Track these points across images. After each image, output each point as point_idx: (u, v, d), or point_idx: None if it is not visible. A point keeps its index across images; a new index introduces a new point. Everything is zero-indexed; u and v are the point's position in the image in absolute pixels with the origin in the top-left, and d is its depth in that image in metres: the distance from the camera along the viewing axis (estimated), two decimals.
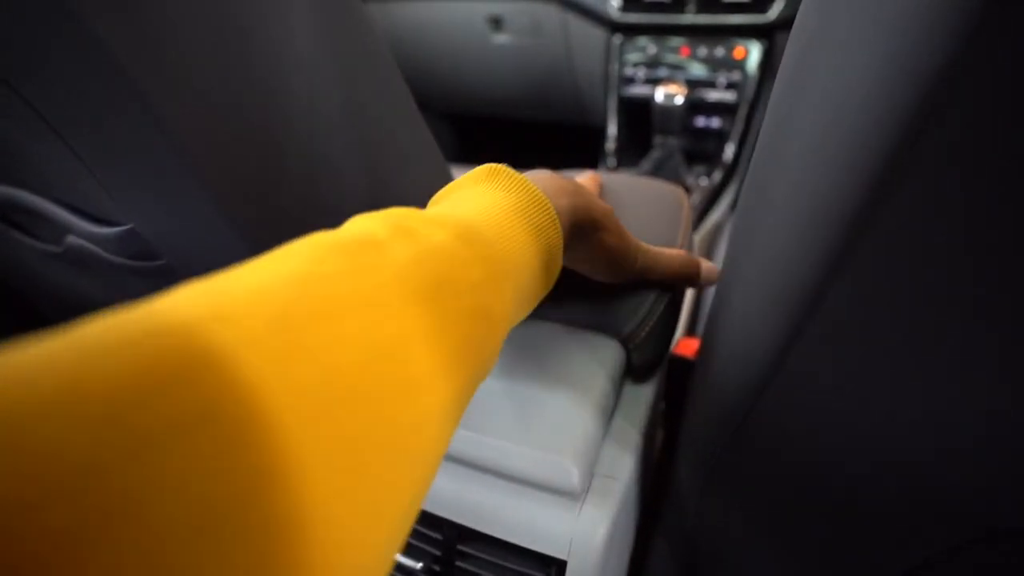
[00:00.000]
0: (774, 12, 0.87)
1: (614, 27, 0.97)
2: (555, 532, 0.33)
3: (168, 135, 0.27)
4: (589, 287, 0.36)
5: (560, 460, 0.32)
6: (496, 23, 1.07)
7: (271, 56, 0.30)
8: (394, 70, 0.40)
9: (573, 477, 0.32)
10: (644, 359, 0.39)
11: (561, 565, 0.33)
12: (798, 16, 0.20)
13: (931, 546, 0.22)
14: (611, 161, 1.07)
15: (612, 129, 1.05)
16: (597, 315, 0.38)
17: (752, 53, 0.91)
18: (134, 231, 0.36)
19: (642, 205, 0.47)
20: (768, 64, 0.93)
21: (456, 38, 1.12)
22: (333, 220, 0.38)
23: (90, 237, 0.39)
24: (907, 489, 0.20)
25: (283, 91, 0.31)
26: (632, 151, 1.06)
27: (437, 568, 0.37)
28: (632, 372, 0.39)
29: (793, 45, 0.20)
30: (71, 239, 0.40)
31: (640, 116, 1.00)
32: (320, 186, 0.36)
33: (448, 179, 0.49)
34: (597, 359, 0.37)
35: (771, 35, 0.90)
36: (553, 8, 1.00)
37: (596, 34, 0.99)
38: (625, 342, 0.38)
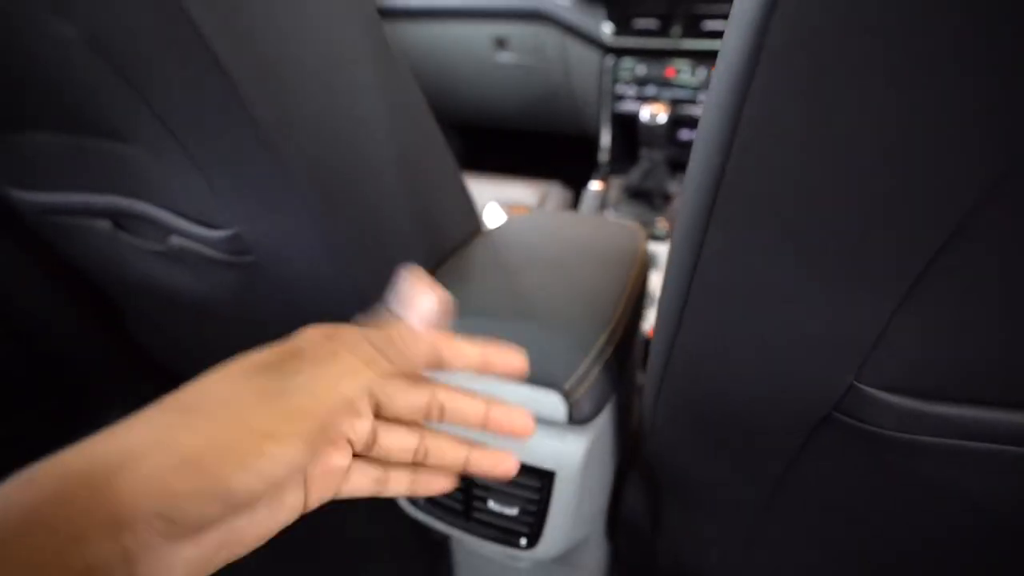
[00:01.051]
0: None
1: (607, 49, 1.08)
2: (548, 451, 0.45)
3: (276, 156, 0.38)
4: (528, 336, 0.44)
5: (554, 399, 0.43)
6: (501, 43, 1.18)
7: (351, 97, 0.41)
8: (431, 119, 0.51)
9: (561, 413, 0.44)
10: (583, 413, 0.44)
11: (552, 475, 0.45)
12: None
13: (792, 434, 0.33)
14: (604, 170, 1.18)
15: (605, 141, 1.17)
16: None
17: None
18: (238, 234, 0.46)
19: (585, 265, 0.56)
20: None
21: (465, 56, 1.24)
22: (389, 237, 0.50)
23: (194, 238, 0.49)
24: (772, 389, 0.32)
25: (361, 128, 0.42)
26: (623, 160, 1.18)
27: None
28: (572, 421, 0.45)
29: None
30: (174, 239, 0.50)
31: (630, 129, 1.12)
32: (383, 209, 0.46)
33: (466, 197, 0.60)
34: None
35: None
36: (553, 31, 1.11)
37: (591, 55, 1.11)
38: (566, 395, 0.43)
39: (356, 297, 0.48)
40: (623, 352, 0.48)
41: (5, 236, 0.71)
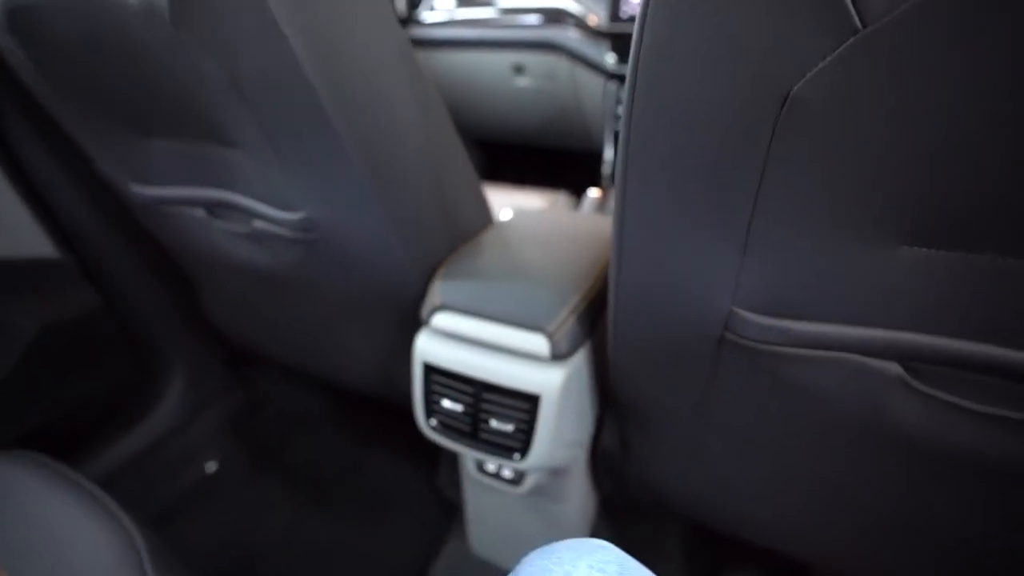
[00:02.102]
0: None
1: (610, 76, 1.24)
2: (535, 380, 0.59)
3: (343, 154, 0.53)
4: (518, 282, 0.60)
5: (540, 339, 0.58)
6: (518, 69, 1.35)
7: (393, 109, 0.55)
8: (452, 129, 0.64)
9: (545, 350, 0.58)
10: (561, 350, 0.59)
11: (537, 398, 0.59)
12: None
13: (703, 352, 0.47)
14: (606, 180, 1.33)
15: (608, 155, 1.32)
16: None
17: None
18: (307, 216, 0.60)
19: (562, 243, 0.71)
20: None
21: (486, 80, 1.41)
22: (421, 220, 0.64)
23: (272, 220, 0.62)
24: (681, 315, 0.45)
25: (401, 134, 0.57)
26: None
27: (471, 407, 0.63)
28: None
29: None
30: (256, 223, 0.64)
31: None
32: (417, 197, 0.61)
33: (480, 193, 0.74)
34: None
35: None
36: (564, 60, 1.28)
37: (597, 81, 1.26)
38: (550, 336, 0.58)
39: (396, 265, 0.63)
40: (596, 308, 0.62)
41: (116, 224, 0.89)
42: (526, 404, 0.60)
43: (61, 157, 0.81)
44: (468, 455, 0.71)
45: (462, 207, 0.71)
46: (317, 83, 0.47)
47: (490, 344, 0.61)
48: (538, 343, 0.58)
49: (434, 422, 0.68)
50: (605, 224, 0.77)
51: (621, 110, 1.27)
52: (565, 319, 0.59)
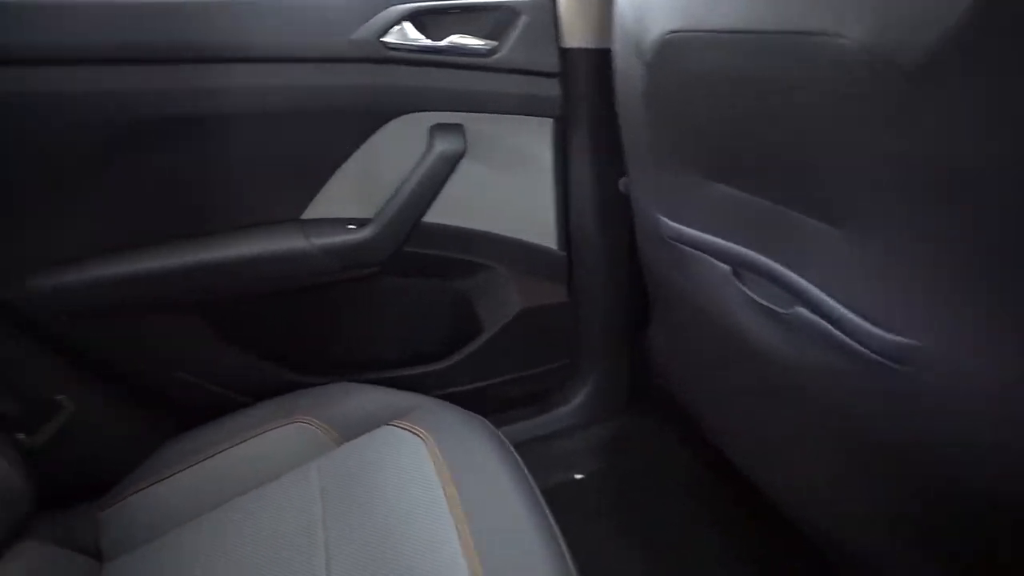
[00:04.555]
0: None
1: None
2: None
3: None
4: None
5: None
6: None
7: None
8: None
9: None
10: None
11: None
12: None
13: None
14: None
15: None
16: None
17: None
18: (916, 346, 0.39)
19: None
20: None
21: None
22: None
23: (849, 329, 0.44)
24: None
25: None
26: None
27: None
28: None
29: None
30: (800, 310, 0.48)
31: None
32: None
33: None
34: None
35: None
36: None
37: None
38: None
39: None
40: None
41: (610, 235, 0.90)
42: None
43: (597, 166, 0.85)
44: None
45: None
46: None
47: None
48: None
49: None
50: None
51: None
52: None
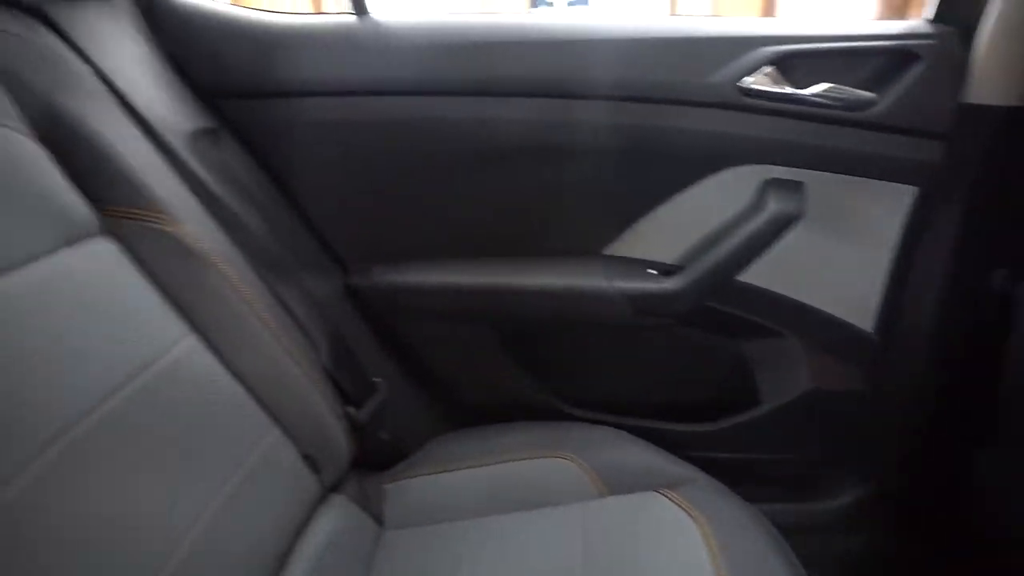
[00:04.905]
0: None
1: None
2: None
3: None
4: None
5: None
6: None
7: None
8: None
9: None
10: None
11: None
12: None
13: None
14: None
15: None
16: None
17: None
18: None
19: None
20: None
21: None
22: None
23: None
24: None
25: None
26: None
27: None
28: None
29: None
30: None
31: None
32: None
33: None
34: None
35: None
36: None
37: None
38: None
39: None
40: None
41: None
42: None
43: (962, 250, 0.70)
44: None
45: None
46: None
47: None
48: None
49: None
50: None
51: None
52: None
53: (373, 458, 0.74)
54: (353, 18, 0.70)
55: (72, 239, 0.47)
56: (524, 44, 0.67)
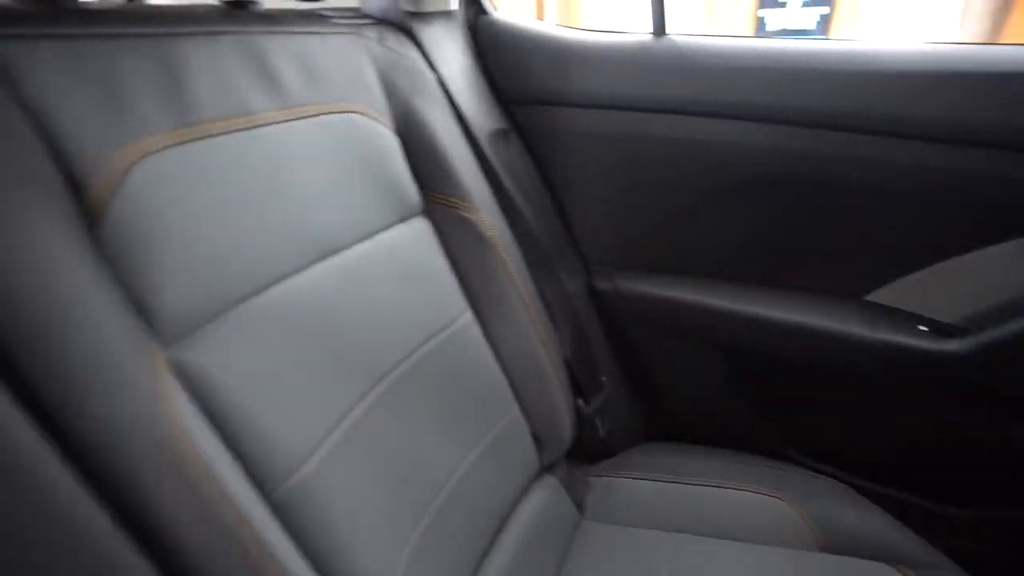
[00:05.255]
0: None
1: None
2: None
3: None
4: None
5: None
6: None
7: None
8: None
9: None
10: None
11: None
12: None
13: None
14: None
15: None
16: None
17: None
18: None
19: None
20: None
21: None
22: None
23: None
24: None
25: None
26: None
27: None
28: None
29: None
30: None
31: None
32: None
33: None
34: None
35: None
36: None
37: None
38: None
39: None
40: None
41: None
42: None
43: None
44: None
45: None
46: None
47: None
48: None
49: None
50: None
51: None
52: None
53: (584, 450, 0.79)
54: (650, 36, 0.73)
55: (405, 216, 0.59)
56: (826, 73, 0.64)
